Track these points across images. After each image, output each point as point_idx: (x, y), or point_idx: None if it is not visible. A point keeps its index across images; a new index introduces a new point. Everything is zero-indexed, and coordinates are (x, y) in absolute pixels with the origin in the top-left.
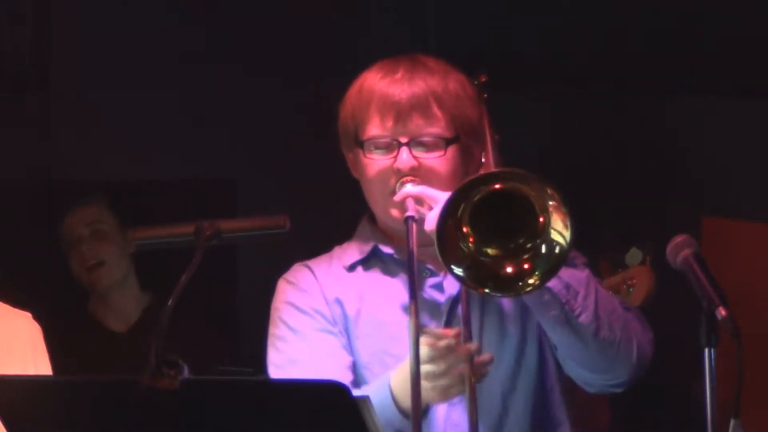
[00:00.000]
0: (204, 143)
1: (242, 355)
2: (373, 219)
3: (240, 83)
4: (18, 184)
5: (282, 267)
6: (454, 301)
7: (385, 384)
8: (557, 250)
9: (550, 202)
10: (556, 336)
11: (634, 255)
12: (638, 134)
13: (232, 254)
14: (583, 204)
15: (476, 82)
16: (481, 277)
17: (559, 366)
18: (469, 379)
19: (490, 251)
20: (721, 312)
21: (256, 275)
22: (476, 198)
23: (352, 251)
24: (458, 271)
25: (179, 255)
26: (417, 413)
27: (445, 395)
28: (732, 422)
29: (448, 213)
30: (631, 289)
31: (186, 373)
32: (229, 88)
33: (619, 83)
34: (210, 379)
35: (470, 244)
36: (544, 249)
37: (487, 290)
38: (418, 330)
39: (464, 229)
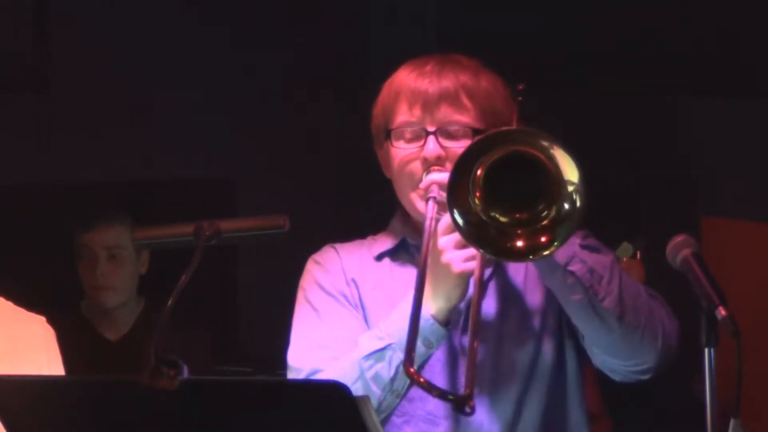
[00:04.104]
0: (204, 143)
1: (242, 355)
2: (405, 214)
3: (240, 83)
4: (18, 186)
5: (282, 267)
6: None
7: (411, 296)
8: (578, 201)
9: (551, 152)
10: (580, 321)
11: (625, 249)
12: (638, 134)
13: (232, 254)
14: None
15: (513, 88)
16: (482, 238)
17: (580, 367)
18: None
19: (498, 217)
20: (721, 312)
21: (256, 275)
22: (489, 160)
23: (382, 242)
24: (459, 220)
25: (176, 257)
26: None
27: (460, 264)
28: (732, 422)
29: (461, 167)
30: None
31: (186, 373)
32: (229, 89)
33: (618, 83)
34: (210, 379)
35: (477, 200)
36: (566, 207)
37: (482, 250)
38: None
39: (475, 186)
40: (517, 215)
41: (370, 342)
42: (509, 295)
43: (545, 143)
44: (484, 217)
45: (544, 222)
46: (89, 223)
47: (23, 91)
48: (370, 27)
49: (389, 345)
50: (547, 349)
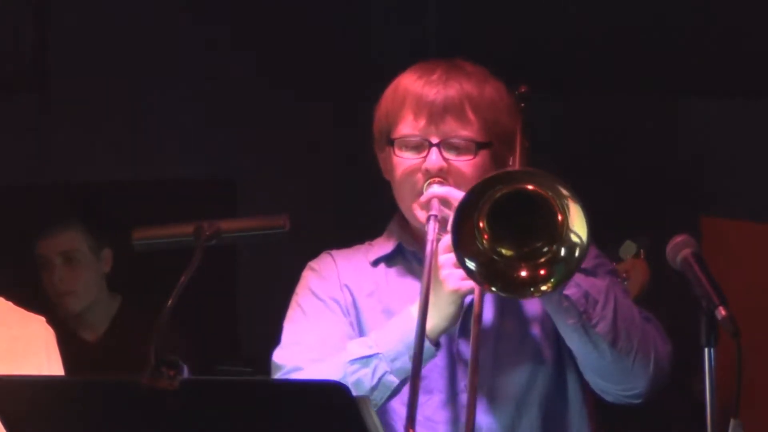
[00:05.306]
0: (204, 143)
1: (242, 355)
2: (403, 218)
3: (240, 83)
4: (17, 185)
5: (282, 267)
6: (470, 308)
7: (407, 313)
8: (576, 253)
9: (566, 201)
10: (573, 344)
11: (628, 247)
12: (638, 134)
13: (232, 254)
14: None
15: (516, 92)
16: (492, 275)
17: (580, 373)
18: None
19: (504, 251)
20: (721, 312)
21: (256, 275)
22: (496, 196)
23: (378, 247)
24: (470, 264)
25: (152, 254)
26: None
27: (456, 282)
28: (732, 422)
29: (466, 208)
30: (625, 282)
31: (186, 373)
32: (229, 89)
33: (619, 83)
34: (210, 379)
35: (485, 242)
36: (563, 252)
37: (494, 289)
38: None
39: (480, 224)
40: (519, 248)
41: (358, 348)
42: (507, 302)
43: (565, 192)
44: (493, 255)
45: (542, 259)
46: (42, 230)
47: (23, 91)
48: (370, 27)
49: (377, 354)
50: (547, 355)
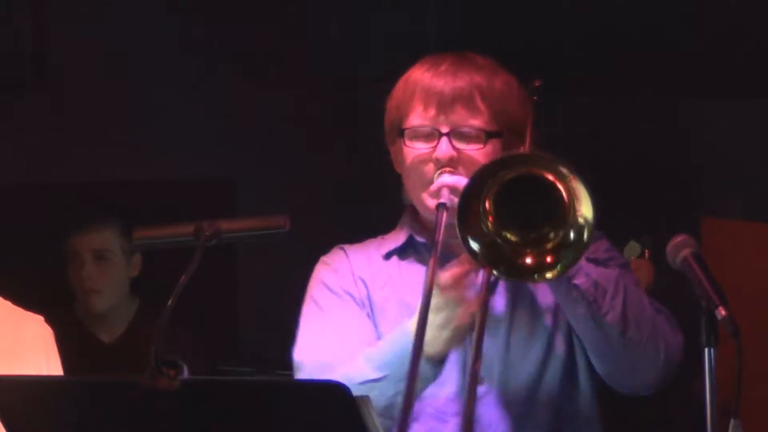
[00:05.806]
0: (204, 143)
1: (242, 355)
2: (415, 210)
3: (240, 83)
4: (15, 186)
5: (282, 267)
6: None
7: (406, 328)
8: (585, 235)
9: (571, 184)
10: (583, 333)
11: (632, 248)
12: (638, 134)
13: (232, 254)
14: None
15: (530, 87)
16: (495, 258)
17: (591, 364)
18: (478, 316)
19: (509, 236)
20: (721, 312)
21: (256, 275)
22: (504, 179)
23: (390, 240)
24: (474, 245)
25: (171, 257)
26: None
27: (449, 328)
28: (731, 422)
29: (473, 188)
30: None
31: (186, 373)
32: (229, 88)
33: (619, 83)
34: (210, 379)
35: (490, 224)
36: (572, 236)
37: (496, 273)
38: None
39: (486, 206)
40: (525, 234)
41: (366, 368)
42: (519, 292)
43: (565, 171)
44: (497, 239)
45: (549, 245)
46: (77, 226)
47: (23, 91)
48: (370, 26)
49: (384, 377)
50: (559, 345)
